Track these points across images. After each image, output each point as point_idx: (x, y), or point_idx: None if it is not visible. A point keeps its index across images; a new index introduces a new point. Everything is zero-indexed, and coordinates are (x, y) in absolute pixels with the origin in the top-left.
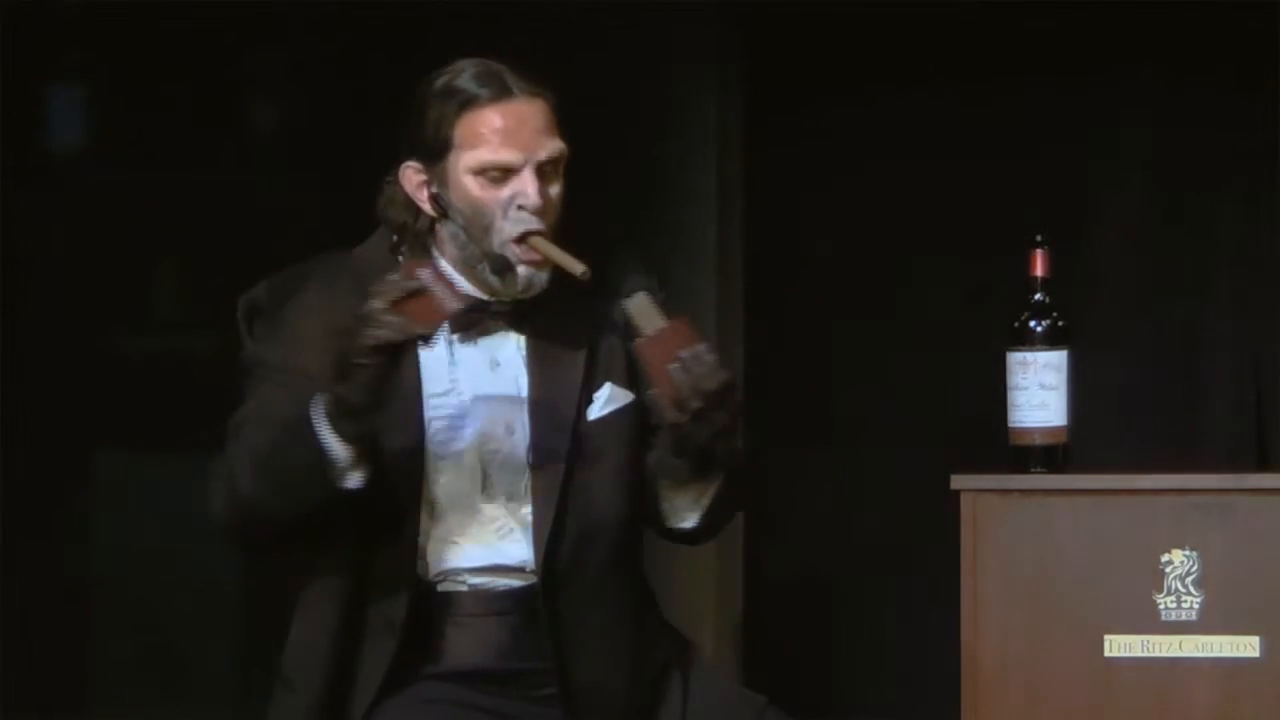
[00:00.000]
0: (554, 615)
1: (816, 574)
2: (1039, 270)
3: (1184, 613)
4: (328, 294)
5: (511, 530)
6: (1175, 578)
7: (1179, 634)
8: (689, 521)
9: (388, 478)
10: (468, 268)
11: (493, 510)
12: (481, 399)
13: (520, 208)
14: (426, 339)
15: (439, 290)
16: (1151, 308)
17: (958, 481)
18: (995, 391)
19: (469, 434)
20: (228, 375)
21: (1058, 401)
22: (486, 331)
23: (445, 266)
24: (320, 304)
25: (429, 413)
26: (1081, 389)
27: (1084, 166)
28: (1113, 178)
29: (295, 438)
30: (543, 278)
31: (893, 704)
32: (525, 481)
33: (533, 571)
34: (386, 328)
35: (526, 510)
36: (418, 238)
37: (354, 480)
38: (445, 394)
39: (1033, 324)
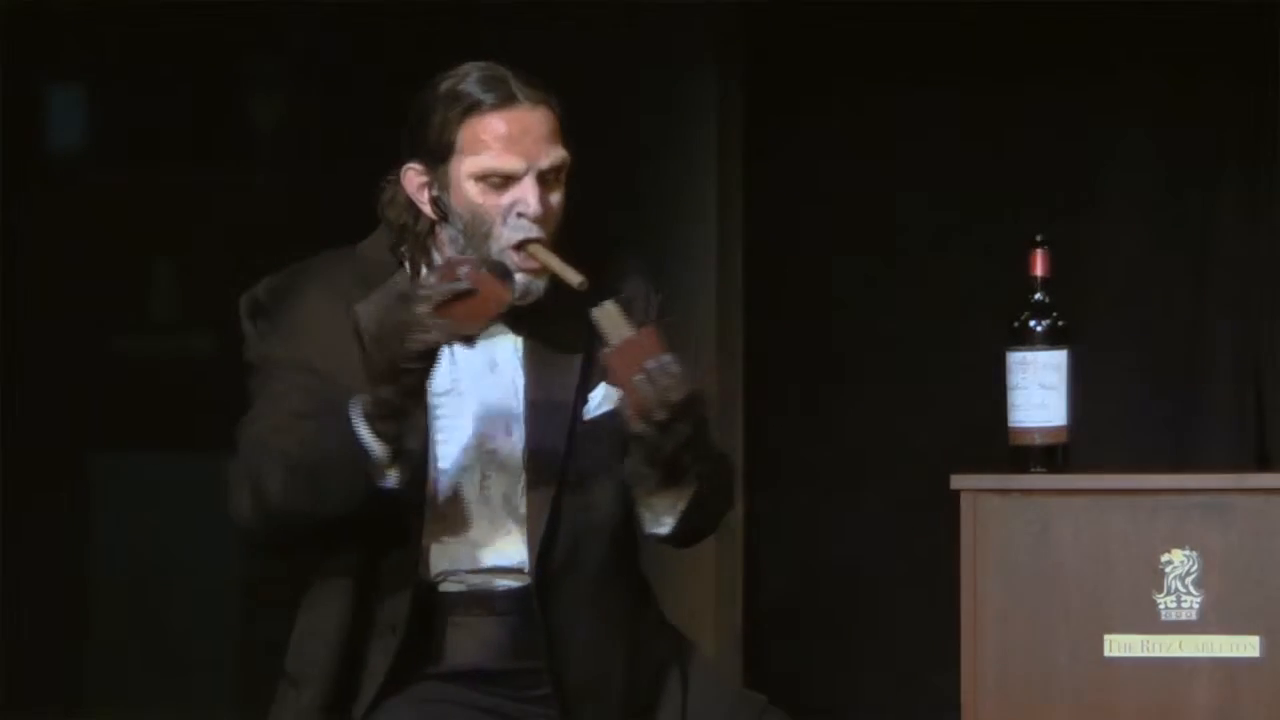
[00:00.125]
0: (548, 615)
1: (816, 574)
2: (1039, 270)
3: (1184, 613)
4: (331, 291)
5: (509, 531)
6: (1175, 578)
7: (1179, 634)
8: (664, 528)
9: None
10: None
11: (491, 511)
12: (481, 400)
13: (520, 215)
14: (470, 340)
15: (486, 287)
16: (1151, 308)
17: (958, 481)
18: (995, 391)
19: (469, 435)
20: (228, 375)
21: (1058, 401)
22: (486, 333)
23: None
24: (324, 301)
25: (431, 413)
26: (1081, 389)
27: (1084, 166)
28: (1112, 177)
29: (330, 440)
30: (540, 285)
31: (893, 704)
32: (522, 483)
33: (529, 572)
34: (436, 331)
35: (523, 511)
36: (417, 239)
37: (392, 479)
38: (446, 394)
39: (1033, 324)
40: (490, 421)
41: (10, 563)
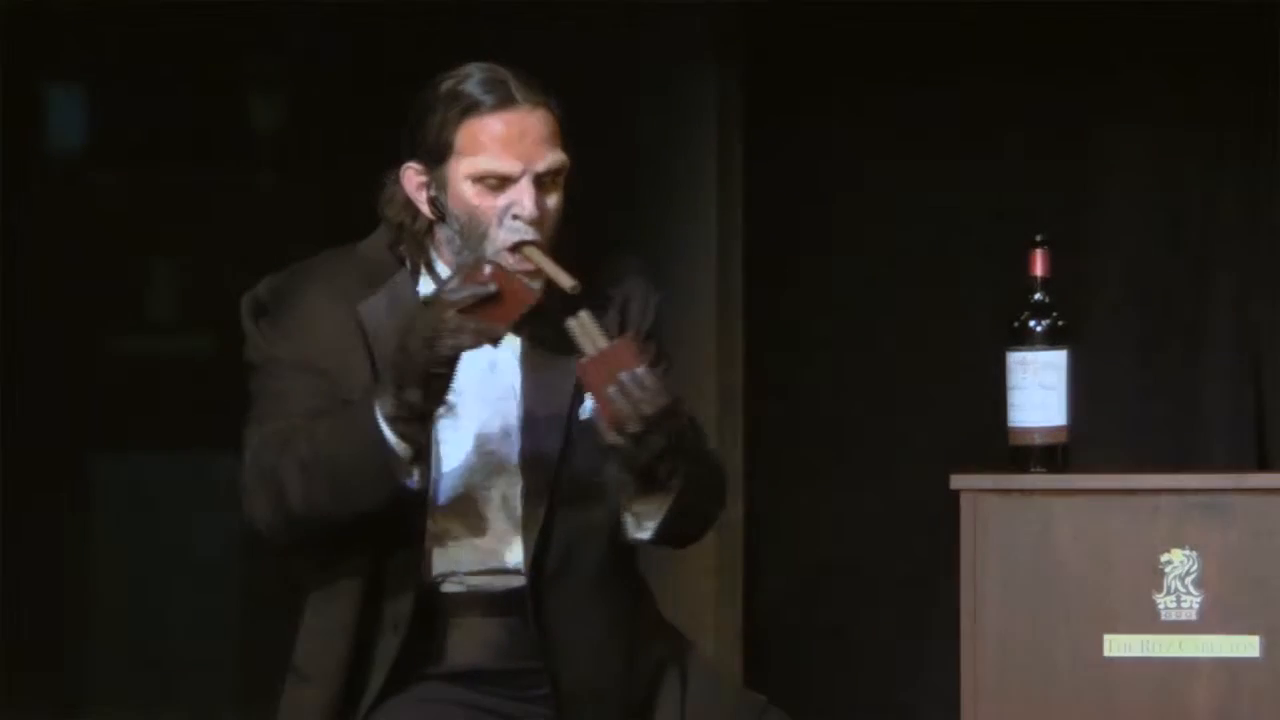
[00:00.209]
0: (544, 616)
1: (816, 574)
2: (1039, 270)
3: (1184, 612)
4: (333, 290)
5: (507, 532)
6: (1175, 577)
7: (1179, 634)
8: (646, 532)
9: None
10: None
11: (490, 512)
12: (479, 401)
13: (515, 217)
14: (497, 341)
15: (511, 287)
16: (1151, 308)
17: (958, 481)
18: (995, 391)
19: (468, 436)
20: (228, 375)
21: (1058, 401)
22: None
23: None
24: (326, 300)
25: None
26: (1081, 389)
27: (1084, 166)
28: (1112, 177)
29: (350, 441)
30: (537, 287)
31: (893, 704)
32: (518, 484)
33: (524, 573)
34: (465, 335)
35: (519, 512)
36: (415, 238)
37: (414, 478)
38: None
39: (1033, 324)
40: (489, 423)
41: (10, 563)
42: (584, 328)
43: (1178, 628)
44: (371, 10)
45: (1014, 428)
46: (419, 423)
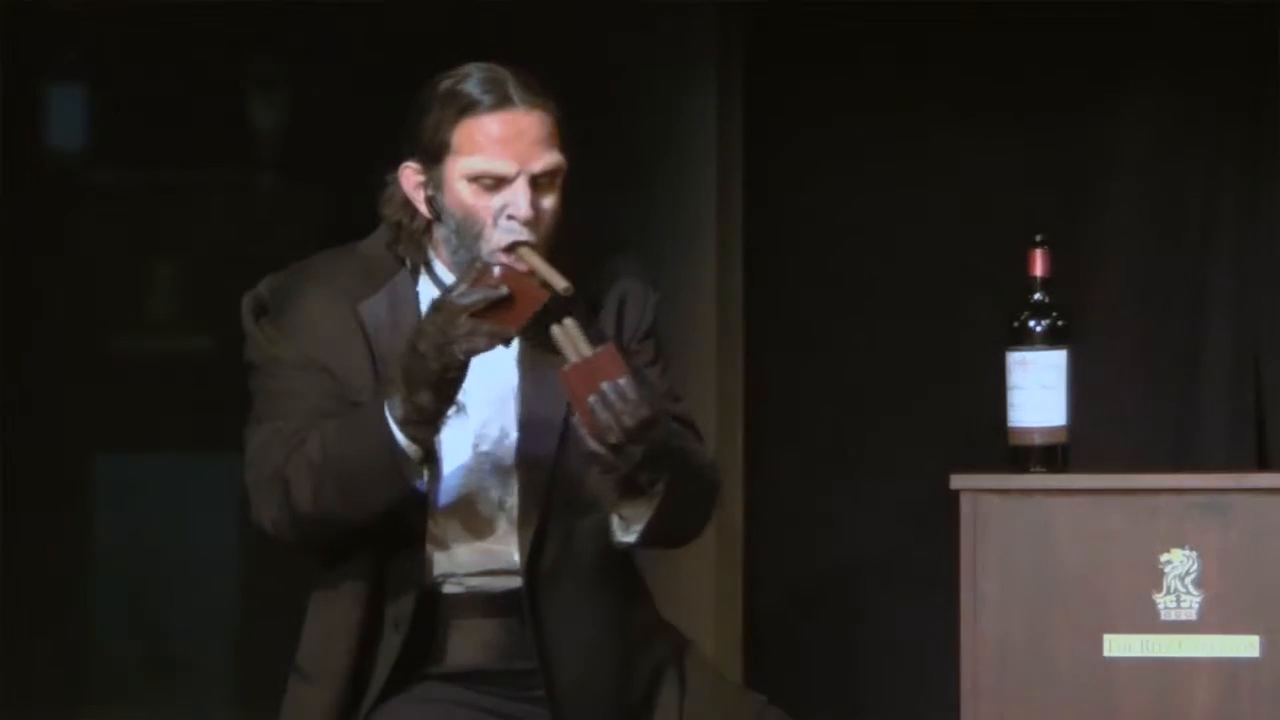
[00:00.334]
0: (541, 616)
1: (816, 573)
2: (1039, 270)
3: (1184, 612)
4: (333, 290)
5: (505, 533)
6: (1175, 577)
7: (1179, 633)
8: (631, 536)
9: None
10: (460, 271)
11: (488, 513)
12: (478, 401)
13: (510, 218)
14: (509, 341)
15: (522, 287)
16: (1151, 307)
17: (957, 481)
18: (995, 391)
19: (466, 436)
20: (228, 375)
21: (1057, 401)
22: None
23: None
24: (327, 300)
25: None
26: (1081, 389)
27: (1084, 167)
28: (1112, 178)
29: (359, 442)
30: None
31: (893, 704)
32: (515, 485)
33: (521, 574)
34: (479, 338)
35: (516, 513)
36: (413, 237)
37: (424, 479)
38: None
39: (1032, 324)
40: (488, 424)
41: (10, 563)
42: (568, 335)
43: (1177, 628)
44: (372, 10)
45: (1014, 428)
46: (430, 425)
